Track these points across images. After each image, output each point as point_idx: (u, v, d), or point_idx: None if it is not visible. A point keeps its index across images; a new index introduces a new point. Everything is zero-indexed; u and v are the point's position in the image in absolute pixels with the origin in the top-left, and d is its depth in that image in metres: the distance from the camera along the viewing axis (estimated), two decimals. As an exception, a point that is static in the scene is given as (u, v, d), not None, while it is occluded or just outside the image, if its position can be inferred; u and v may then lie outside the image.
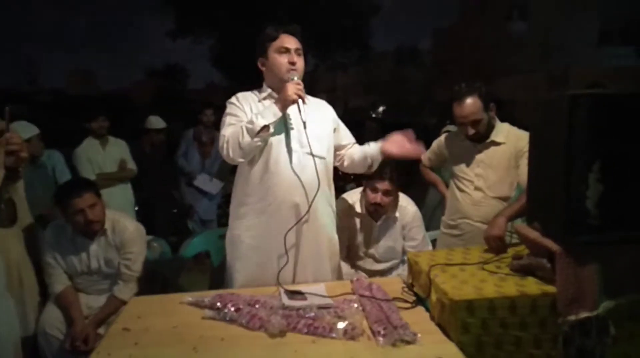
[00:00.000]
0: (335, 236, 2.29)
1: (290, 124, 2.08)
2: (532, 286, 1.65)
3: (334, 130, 2.27)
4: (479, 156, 2.56)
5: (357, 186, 2.85)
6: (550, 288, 1.61)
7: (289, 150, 2.06)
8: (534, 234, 1.76)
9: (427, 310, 1.81)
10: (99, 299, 2.45)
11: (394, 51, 30.02)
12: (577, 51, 16.73)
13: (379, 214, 2.62)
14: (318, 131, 2.12)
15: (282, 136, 2.07)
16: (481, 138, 2.54)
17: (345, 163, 2.32)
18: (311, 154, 2.05)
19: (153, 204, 4.59)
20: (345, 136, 2.34)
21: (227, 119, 2.11)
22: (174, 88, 27.65)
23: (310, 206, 2.05)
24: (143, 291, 2.44)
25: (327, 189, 2.19)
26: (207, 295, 1.92)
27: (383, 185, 2.52)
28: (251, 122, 1.96)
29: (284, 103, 1.98)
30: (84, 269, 2.45)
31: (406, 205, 2.71)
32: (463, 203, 2.62)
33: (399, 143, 2.16)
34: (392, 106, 24.70)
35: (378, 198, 2.54)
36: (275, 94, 2.11)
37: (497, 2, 20.20)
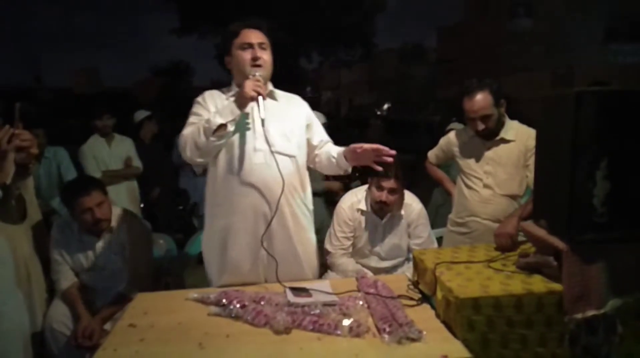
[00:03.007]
0: (312, 236, 2.22)
1: (254, 124, 2.02)
2: (539, 284, 1.65)
3: (307, 127, 2.19)
4: (488, 154, 2.55)
5: (362, 183, 2.85)
6: (557, 286, 1.61)
7: (254, 149, 2.00)
8: (540, 232, 1.75)
9: (433, 307, 1.81)
10: (105, 296, 2.46)
11: (399, 48, 29.95)
12: (583, 48, 16.64)
13: (384, 212, 2.62)
14: (286, 128, 2.07)
15: (246, 135, 2.01)
16: (490, 135, 2.52)
17: (316, 163, 2.23)
18: (277, 152, 1.99)
19: (158, 200, 4.61)
20: (317, 134, 2.22)
21: (190, 119, 2.06)
22: (179, 85, 27.71)
23: (277, 206, 1.98)
24: (149, 288, 2.45)
25: (299, 188, 2.12)
26: (213, 292, 1.92)
27: (388, 183, 2.51)
28: (208, 121, 1.89)
29: (241, 101, 1.90)
30: (90, 266, 2.46)
31: (411, 203, 2.70)
32: (471, 201, 2.61)
33: (358, 152, 2.00)
34: (397, 104, 24.67)
35: (383, 196, 2.53)
36: None
37: (502, 0, 20.12)
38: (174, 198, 4.93)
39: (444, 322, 1.69)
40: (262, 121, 1.92)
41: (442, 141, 2.88)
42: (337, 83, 34.12)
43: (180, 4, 16.80)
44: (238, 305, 1.78)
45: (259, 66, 2.01)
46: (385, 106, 25.17)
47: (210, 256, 2.16)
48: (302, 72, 19.01)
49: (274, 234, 2.05)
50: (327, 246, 2.73)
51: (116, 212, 2.52)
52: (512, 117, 2.59)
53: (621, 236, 1.56)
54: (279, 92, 2.17)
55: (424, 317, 1.74)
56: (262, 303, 1.81)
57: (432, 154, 2.96)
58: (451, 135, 2.80)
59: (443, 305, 1.69)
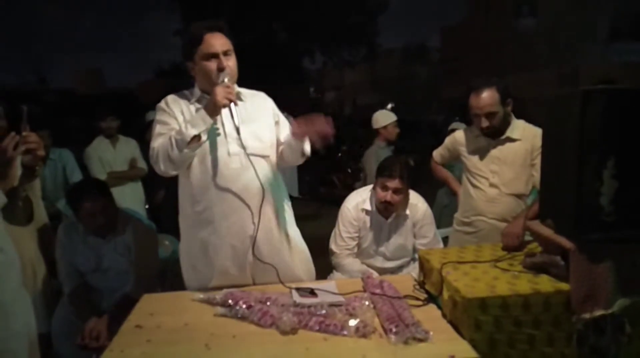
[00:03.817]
0: (297, 234, 2.20)
1: (225, 128, 1.98)
2: (546, 284, 1.64)
3: (275, 124, 2.13)
4: (494, 152, 2.54)
5: (366, 183, 2.84)
6: (564, 286, 1.60)
7: (228, 154, 1.96)
8: (547, 231, 1.74)
9: (439, 307, 1.80)
10: (110, 297, 2.47)
11: (402, 48, 29.92)
12: (587, 47, 16.58)
13: (389, 212, 2.61)
14: (257, 129, 2.02)
15: (217, 141, 1.97)
16: (496, 133, 2.51)
17: (282, 157, 2.15)
18: (252, 154, 1.96)
19: (163, 203, 4.61)
20: (283, 131, 2.14)
21: (157, 129, 2.00)
22: (182, 87, 27.71)
23: (261, 208, 1.96)
24: (155, 289, 2.45)
25: (277, 187, 2.10)
26: (219, 293, 1.92)
27: (393, 183, 2.51)
28: (180, 133, 1.84)
29: (213, 109, 1.85)
30: (96, 267, 2.46)
31: (417, 203, 2.69)
32: (477, 200, 2.60)
33: (305, 123, 1.94)
34: (400, 104, 24.62)
35: (388, 196, 2.53)
36: (207, 96, 1.97)
37: (505, -1, 20.07)
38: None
39: (451, 322, 1.68)
40: (237, 128, 1.87)
41: (448, 140, 2.87)
42: (340, 83, 34.09)
43: (183, 6, 16.83)
44: (244, 306, 1.78)
45: (223, 69, 1.94)
46: (389, 106, 25.11)
47: (191, 266, 2.11)
48: (306, 73, 19.01)
49: (259, 237, 2.01)
50: (332, 246, 2.73)
51: (121, 214, 2.52)
52: (517, 117, 2.59)
53: (629, 235, 1.55)
54: (243, 92, 2.12)
55: (430, 317, 1.73)
56: (268, 303, 1.81)
57: (437, 153, 2.95)
58: (457, 134, 2.79)
59: (450, 305, 1.69)
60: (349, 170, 7.79)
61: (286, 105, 4.20)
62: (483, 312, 1.56)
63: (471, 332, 1.56)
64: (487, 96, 2.42)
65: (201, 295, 1.92)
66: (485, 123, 2.45)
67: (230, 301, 1.83)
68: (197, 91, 2.06)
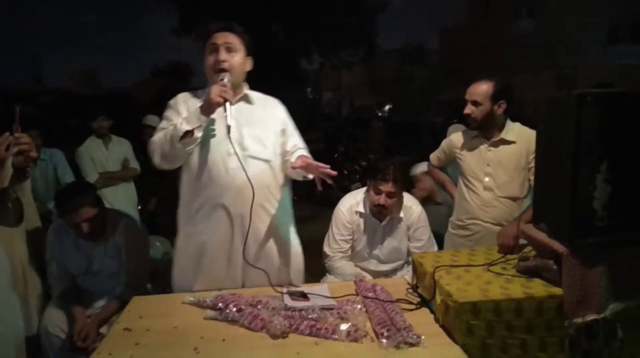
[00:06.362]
0: (294, 239, 2.21)
1: (225, 126, 1.95)
2: (539, 288, 1.62)
3: (282, 132, 2.12)
4: (488, 155, 2.54)
5: (363, 185, 2.82)
6: (557, 291, 1.59)
7: (227, 153, 1.95)
8: (540, 235, 1.73)
9: (432, 312, 1.79)
10: (101, 299, 2.45)
11: (401, 49, 29.90)
12: (586, 49, 16.62)
13: (383, 215, 2.60)
14: (261, 133, 2.02)
15: (218, 140, 1.97)
16: (480, 129, 2.54)
17: (286, 169, 2.13)
18: (251, 156, 1.97)
19: (155, 202, 4.59)
20: (291, 140, 2.13)
21: (161, 124, 2.04)
22: (178, 86, 27.72)
23: (251, 211, 1.94)
24: (145, 292, 2.44)
25: (276, 192, 2.09)
26: (209, 296, 1.90)
27: (386, 187, 2.49)
28: (175, 128, 1.87)
29: (207, 107, 1.86)
30: (86, 269, 2.44)
31: (411, 205, 2.68)
32: (472, 204, 2.59)
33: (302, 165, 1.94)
34: (398, 105, 24.64)
35: (381, 199, 2.51)
36: None
37: (504, 1, 20.09)
38: (173, 202, 4.90)
39: (443, 327, 1.67)
40: (229, 127, 1.87)
41: (444, 142, 2.86)
42: (338, 84, 34.08)
43: (180, 4, 16.79)
44: (234, 309, 1.76)
45: (224, 70, 1.96)
46: (387, 107, 25.12)
47: (185, 263, 2.11)
48: (303, 73, 18.99)
49: (248, 240, 2.01)
50: (326, 249, 2.71)
51: (112, 215, 2.50)
52: (514, 119, 2.58)
53: (622, 240, 1.54)
54: (255, 95, 2.12)
55: (422, 321, 1.72)
56: (259, 307, 1.79)
57: (434, 156, 2.94)
58: (453, 137, 2.78)
59: (442, 309, 1.68)
60: (345, 172, 7.77)
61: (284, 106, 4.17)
62: (475, 317, 1.55)
63: (463, 337, 1.55)
64: (479, 85, 2.47)
65: (191, 298, 1.90)
66: (467, 110, 2.50)
67: (220, 304, 1.81)
68: (207, 89, 2.07)
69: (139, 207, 4.47)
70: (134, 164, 4.30)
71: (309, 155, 2.08)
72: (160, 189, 4.59)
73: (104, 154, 4.16)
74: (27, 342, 2.17)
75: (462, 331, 1.55)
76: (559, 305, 1.56)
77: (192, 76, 34.67)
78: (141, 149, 4.77)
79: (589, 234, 1.53)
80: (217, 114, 1.92)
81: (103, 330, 2.28)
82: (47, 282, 2.43)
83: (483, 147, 2.55)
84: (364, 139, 8.79)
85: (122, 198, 4.13)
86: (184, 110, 2.02)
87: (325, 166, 1.88)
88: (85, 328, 2.24)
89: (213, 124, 1.96)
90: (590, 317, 1.53)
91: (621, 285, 1.53)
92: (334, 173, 1.90)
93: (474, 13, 22.18)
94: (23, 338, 2.09)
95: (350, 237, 2.67)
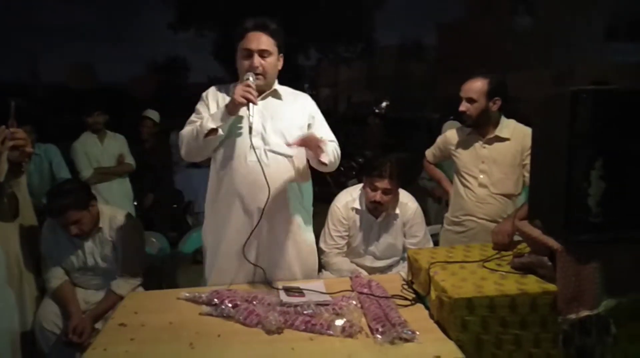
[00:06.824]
0: (308, 236, 2.21)
1: (244, 123, 2.00)
2: (533, 284, 1.63)
3: (309, 126, 2.13)
4: (483, 152, 2.54)
5: (359, 181, 2.82)
6: (551, 287, 1.60)
7: (249, 147, 1.96)
8: (535, 232, 1.74)
9: (427, 307, 1.80)
10: (96, 294, 2.45)
11: (398, 45, 29.83)
12: (583, 46, 16.61)
13: (379, 211, 2.60)
14: (285, 127, 2.04)
15: (243, 133, 2.00)
16: (483, 131, 2.53)
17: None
18: (273, 151, 2.00)
19: (152, 198, 4.59)
20: (317, 132, 2.09)
21: (192, 116, 2.08)
22: (174, 82, 27.59)
23: (265, 205, 1.95)
24: (140, 287, 2.43)
25: (297, 188, 2.10)
26: (204, 291, 1.91)
27: (382, 183, 2.49)
28: (201, 124, 1.93)
29: (232, 106, 1.91)
30: (81, 265, 2.44)
31: (407, 202, 2.68)
32: (467, 200, 2.59)
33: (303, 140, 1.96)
34: (396, 101, 24.60)
35: (377, 196, 2.51)
36: None
37: (502, -3, 20.07)
38: (170, 197, 4.90)
39: (438, 322, 1.68)
40: (250, 128, 1.90)
41: (439, 139, 2.86)
42: (335, 80, 34.01)
43: (178, 0, 16.72)
44: (230, 305, 1.77)
45: (257, 72, 1.99)
46: (384, 104, 25.08)
47: (207, 251, 2.18)
48: (300, 69, 18.95)
49: (262, 234, 2.04)
50: (322, 245, 2.71)
51: (106, 210, 2.49)
52: (511, 116, 2.58)
53: (616, 236, 1.54)
54: (285, 91, 2.15)
55: (417, 317, 1.73)
56: (255, 302, 1.80)
57: (429, 152, 2.94)
58: (448, 133, 2.78)
59: (437, 305, 1.68)
60: (342, 168, 7.76)
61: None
62: (470, 312, 1.56)
63: (458, 332, 1.56)
64: (473, 82, 2.46)
65: (186, 294, 1.91)
66: (462, 107, 2.49)
67: (215, 300, 1.81)
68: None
69: (135, 203, 4.46)
70: (129, 159, 4.28)
71: (335, 147, 2.09)
72: (157, 185, 4.60)
73: (99, 149, 4.14)
74: (22, 337, 2.16)
75: (456, 327, 1.55)
76: (553, 301, 1.57)
77: (188, 71, 34.52)
78: (138, 141, 4.77)
79: (584, 231, 1.54)
80: (244, 110, 1.95)
81: (98, 325, 2.28)
82: (42, 278, 2.42)
83: (478, 144, 2.56)
84: (361, 135, 8.78)
85: (118, 194, 4.12)
86: (213, 104, 2.08)
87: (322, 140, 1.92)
88: (80, 324, 2.24)
89: (240, 118, 2.00)
90: (584, 313, 1.54)
91: (615, 282, 1.54)
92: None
93: (472, 9, 22.14)
94: (17, 333, 2.08)
95: (346, 233, 2.67)
